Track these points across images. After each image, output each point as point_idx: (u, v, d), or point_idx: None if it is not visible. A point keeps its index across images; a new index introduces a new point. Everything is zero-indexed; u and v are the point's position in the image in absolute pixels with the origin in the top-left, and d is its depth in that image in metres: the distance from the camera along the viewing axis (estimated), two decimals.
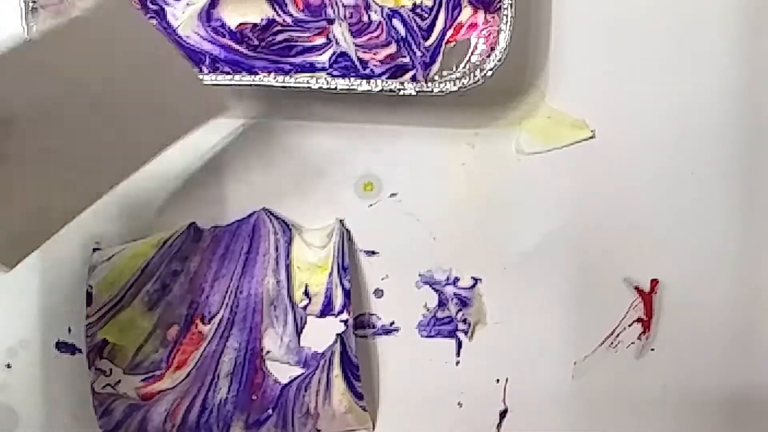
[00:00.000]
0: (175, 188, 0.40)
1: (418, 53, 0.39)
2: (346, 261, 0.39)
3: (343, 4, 0.39)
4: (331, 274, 0.39)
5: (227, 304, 0.39)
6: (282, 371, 0.38)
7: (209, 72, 0.39)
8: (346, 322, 0.38)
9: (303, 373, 0.38)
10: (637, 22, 0.39)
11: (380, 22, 0.39)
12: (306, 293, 0.39)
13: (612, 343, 0.40)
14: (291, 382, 0.39)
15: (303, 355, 0.39)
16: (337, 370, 0.38)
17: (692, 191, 0.39)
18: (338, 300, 0.39)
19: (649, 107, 0.39)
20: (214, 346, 0.39)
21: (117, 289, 0.39)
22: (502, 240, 0.40)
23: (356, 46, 0.39)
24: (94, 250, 0.39)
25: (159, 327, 0.39)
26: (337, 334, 0.38)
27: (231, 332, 0.39)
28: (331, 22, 0.39)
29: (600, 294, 0.40)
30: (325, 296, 0.39)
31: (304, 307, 0.39)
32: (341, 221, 0.40)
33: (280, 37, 0.39)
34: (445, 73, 0.39)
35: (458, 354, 0.40)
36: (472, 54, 0.39)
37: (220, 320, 0.39)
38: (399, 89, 0.36)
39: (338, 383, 0.38)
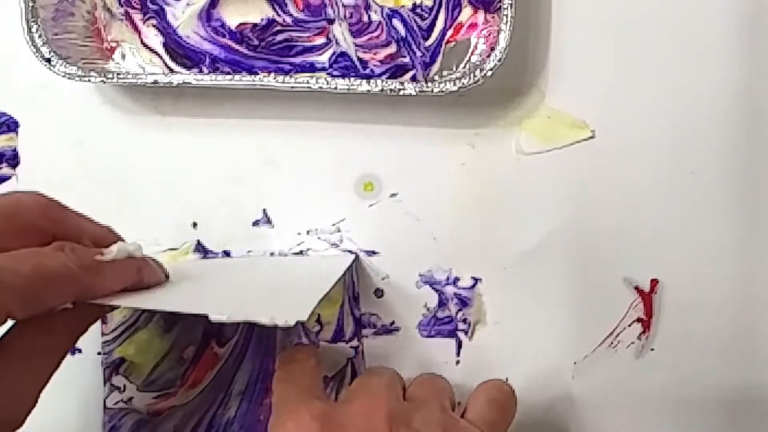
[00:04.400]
0: (175, 189, 0.40)
1: (418, 53, 0.39)
2: (357, 290, 0.39)
3: (343, 4, 0.39)
4: (342, 306, 0.39)
5: (241, 329, 0.39)
6: None
7: (209, 72, 0.39)
8: (356, 348, 0.39)
9: None
10: (637, 22, 0.39)
11: (380, 22, 0.39)
12: (318, 321, 0.39)
13: (612, 343, 0.40)
14: None
15: None
16: (345, 391, 0.39)
17: (692, 191, 0.39)
18: (349, 328, 0.39)
19: (649, 107, 0.39)
20: (228, 367, 0.39)
21: (131, 310, 0.39)
22: (502, 240, 0.40)
23: (356, 46, 0.39)
24: None
25: (175, 347, 0.39)
26: (348, 359, 0.39)
27: (245, 355, 0.39)
28: (331, 22, 0.39)
29: (600, 294, 0.40)
30: (337, 324, 0.39)
31: (317, 333, 0.39)
32: (355, 254, 0.40)
33: (280, 37, 0.39)
34: (445, 73, 0.39)
35: (458, 354, 0.40)
36: (472, 54, 0.39)
37: (235, 344, 0.39)
38: (399, 89, 0.36)
39: None
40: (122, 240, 0.33)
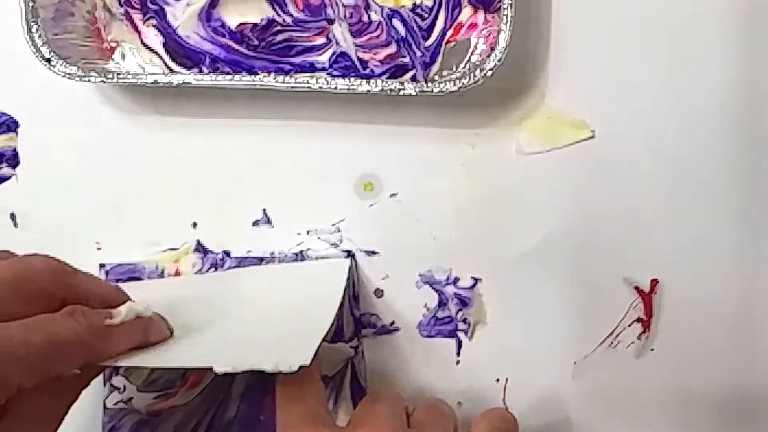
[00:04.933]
0: (175, 189, 0.41)
1: (418, 53, 0.39)
2: (357, 290, 0.39)
3: (343, 4, 0.39)
4: (341, 306, 0.39)
5: None
6: None
7: (209, 72, 0.39)
8: (356, 348, 0.39)
9: None
10: (637, 22, 0.39)
11: (380, 22, 0.39)
12: None
13: (612, 343, 0.40)
14: None
15: None
16: (345, 392, 0.39)
17: (692, 191, 0.39)
18: (349, 327, 0.39)
19: (649, 107, 0.39)
20: None
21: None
22: (502, 240, 0.40)
23: (356, 46, 0.39)
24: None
25: None
26: (348, 359, 0.39)
27: None
28: (331, 22, 0.39)
29: (600, 294, 0.40)
30: (337, 324, 0.39)
31: None
32: (353, 255, 0.40)
33: (280, 37, 0.39)
34: (445, 73, 0.39)
35: (458, 354, 0.40)
36: (472, 54, 0.39)
37: None
38: (399, 89, 0.36)
39: (346, 405, 0.39)
40: (129, 299, 0.33)
